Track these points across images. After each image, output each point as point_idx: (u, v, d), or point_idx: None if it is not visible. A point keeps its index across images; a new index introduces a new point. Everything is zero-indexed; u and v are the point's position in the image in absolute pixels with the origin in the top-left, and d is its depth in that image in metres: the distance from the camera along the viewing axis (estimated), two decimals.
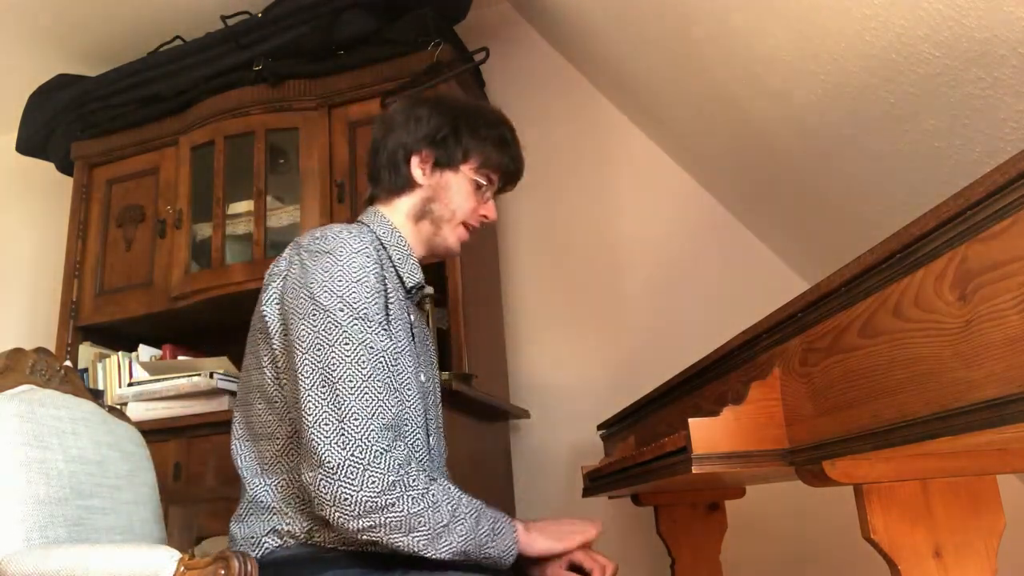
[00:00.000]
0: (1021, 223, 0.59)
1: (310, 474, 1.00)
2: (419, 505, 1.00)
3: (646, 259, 2.39)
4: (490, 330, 2.31)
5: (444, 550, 1.01)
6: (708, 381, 1.27)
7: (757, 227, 2.28)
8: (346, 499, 0.97)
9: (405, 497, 0.99)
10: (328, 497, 0.98)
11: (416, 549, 1.00)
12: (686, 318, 2.28)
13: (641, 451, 1.16)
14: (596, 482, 1.50)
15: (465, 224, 1.28)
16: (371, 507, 0.97)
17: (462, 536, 1.03)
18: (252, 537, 1.10)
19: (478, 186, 1.27)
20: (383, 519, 0.98)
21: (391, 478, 0.98)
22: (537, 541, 1.11)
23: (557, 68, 2.61)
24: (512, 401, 2.33)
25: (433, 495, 1.02)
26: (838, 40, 1.36)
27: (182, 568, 0.93)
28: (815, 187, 1.84)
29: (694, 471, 0.93)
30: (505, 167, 1.30)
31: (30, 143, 2.65)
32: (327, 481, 0.97)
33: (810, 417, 0.88)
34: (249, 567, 0.93)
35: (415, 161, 1.25)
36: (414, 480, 1.00)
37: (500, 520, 1.08)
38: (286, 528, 1.08)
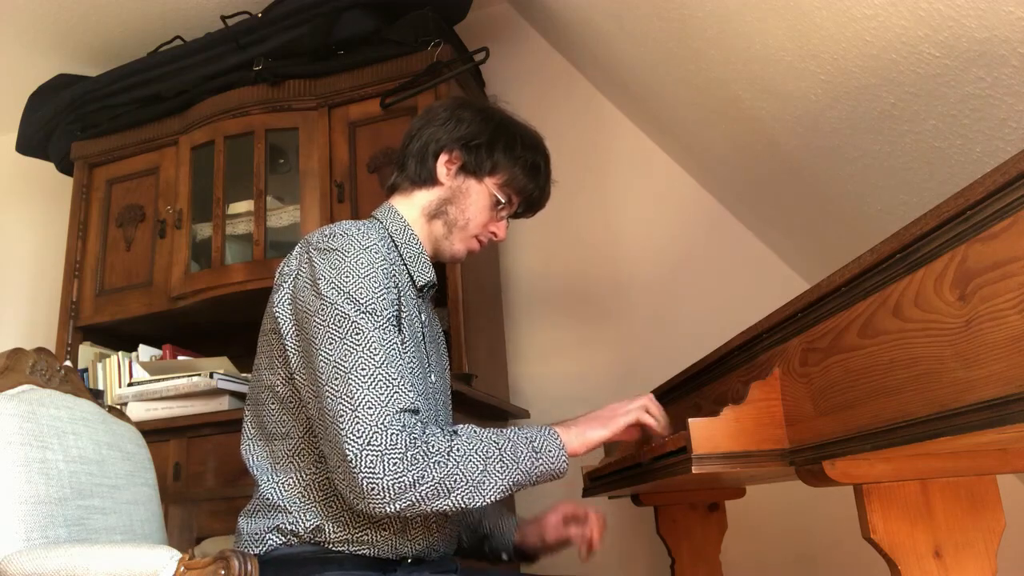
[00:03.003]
0: (1021, 223, 0.59)
1: (336, 471, 1.00)
2: (447, 466, 0.99)
3: (646, 259, 2.39)
4: (490, 330, 2.31)
5: (491, 493, 1.02)
6: (708, 381, 1.27)
7: (757, 227, 2.28)
8: (373, 488, 0.96)
9: (430, 465, 0.98)
10: (357, 491, 0.97)
11: (464, 505, 1.01)
12: (686, 318, 2.28)
13: (641, 451, 1.16)
14: (596, 482, 1.50)
15: (476, 236, 1.28)
16: (400, 488, 0.97)
17: (503, 473, 1.03)
18: (256, 533, 1.10)
19: (496, 202, 1.27)
20: (417, 495, 0.98)
21: (410, 453, 0.98)
22: (586, 435, 1.10)
23: (557, 68, 2.61)
24: (512, 401, 2.33)
25: (458, 449, 1.01)
26: (838, 40, 1.36)
27: (182, 568, 0.93)
28: (815, 187, 1.84)
29: (694, 471, 0.92)
30: (529, 192, 1.30)
31: (30, 143, 2.65)
32: (352, 474, 0.97)
33: (810, 417, 0.88)
34: (249, 567, 0.93)
35: (443, 159, 1.25)
36: (434, 445, 1.00)
37: (538, 436, 1.08)
38: (290, 527, 1.08)
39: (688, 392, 1.36)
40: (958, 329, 0.65)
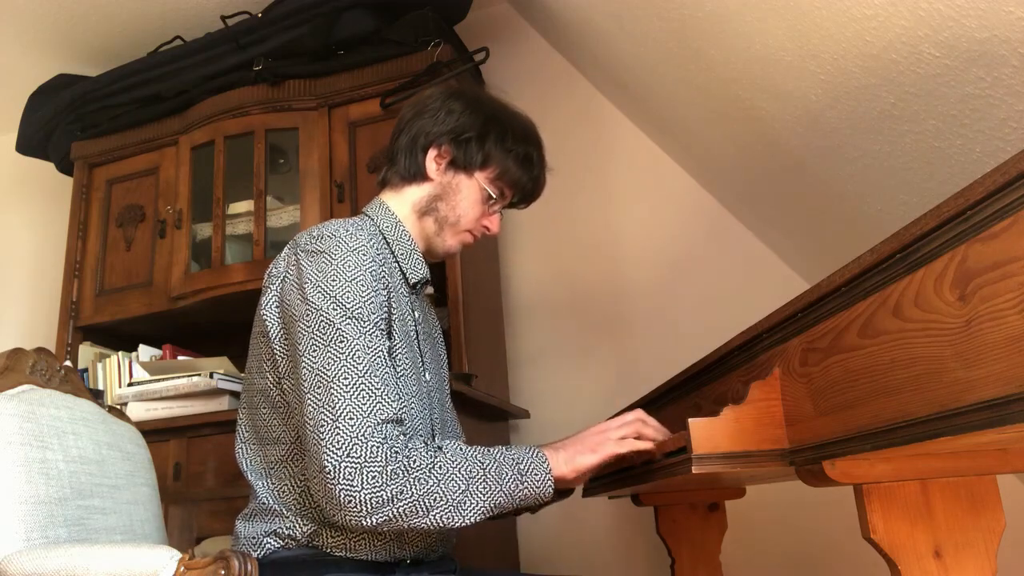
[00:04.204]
0: (1021, 223, 0.59)
1: (314, 481, 0.98)
2: (428, 483, 0.97)
3: (646, 258, 2.39)
4: (490, 330, 2.31)
5: (471, 514, 0.99)
6: (708, 381, 1.26)
7: (757, 227, 2.28)
8: (350, 501, 0.94)
9: (411, 480, 0.96)
10: (334, 502, 0.96)
11: (442, 524, 0.98)
12: (686, 318, 2.28)
13: (641, 451, 1.15)
14: (596, 482, 1.49)
15: (469, 231, 1.25)
16: (378, 502, 0.95)
17: (486, 493, 1.00)
18: (254, 537, 1.09)
19: (488, 197, 1.24)
20: (395, 511, 0.96)
21: (391, 467, 0.96)
22: (576, 461, 1.06)
23: (557, 68, 2.61)
24: (512, 401, 2.33)
25: (441, 466, 0.98)
26: (838, 40, 1.36)
27: (182, 568, 0.93)
28: (815, 187, 1.84)
29: (694, 471, 0.92)
30: (523, 185, 1.26)
31: (30, 143, 2.66)
32: (329, 486, 0.95)
33: (810, 417, 0.88)
34: (249, 567, 0.93)
35: (432, 154, 1.22)
36: (416, 460, 0.97)
37: (525, 458, 1.04)
38: (287, 532, 1.07)
39: (688, 392, 1.36)
40: (958, 329, 0.65)
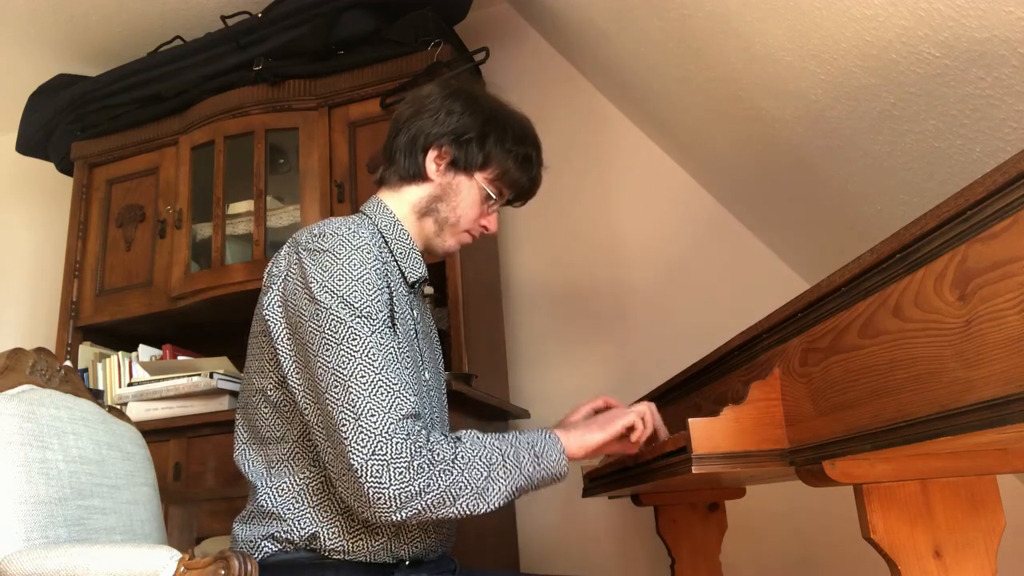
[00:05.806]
0: (1021, 223, 0.59)
1: (341, 480, 0.99)
2: (452, 474, 0.99)
3: (646, 258, 2.39)
4: (490, 330, 2.31)
5: (495, 499, 1.02)
6: (708, 381, 1.27)
7: (757, 227, 2.28)
8: (379, 498, 0.96)
9: (436, 473, 0.98)
10: (364, 500, 0.97)
11: (469, 512, 1.00)
12: (686, 318, 2.28)
13: (641, 451, 1.16)
14: (596, 482, 1.50)
15: (468, 231, 1.26)
16: (407, 497, 0.96)
17: (507, 478, 1.02)
18: (251, 540, 1.09)
19: (487, 197, 1.24)
20: (423, 503, 0.97)
21: (416, 462, 0.97)
22: (584, 439, 1.10)
23: (557, 68, 2.61)
24: (512, 401, 2.33)
25: (463, 457, 1.00)
26: (838, 40, 1.36)
27: (182, 568, 0.93)
28: (815, 187, 1.84)
29: (694, 471, 0.92)
30: (521, 185, 1.27)
31: (30, 143, 2.66)
32: (357, 484, 0.96)
33: (810, 417, 0.88)
34: (249, 567, 0.93)
35: (432, 154, 1.22)
36: (439, 453, 0.99)
37: (539, 441, 1.07)
38: (284, 535, 1.07)
39: (688, 392, 1.36)
40: (958, 329, 0.65)
